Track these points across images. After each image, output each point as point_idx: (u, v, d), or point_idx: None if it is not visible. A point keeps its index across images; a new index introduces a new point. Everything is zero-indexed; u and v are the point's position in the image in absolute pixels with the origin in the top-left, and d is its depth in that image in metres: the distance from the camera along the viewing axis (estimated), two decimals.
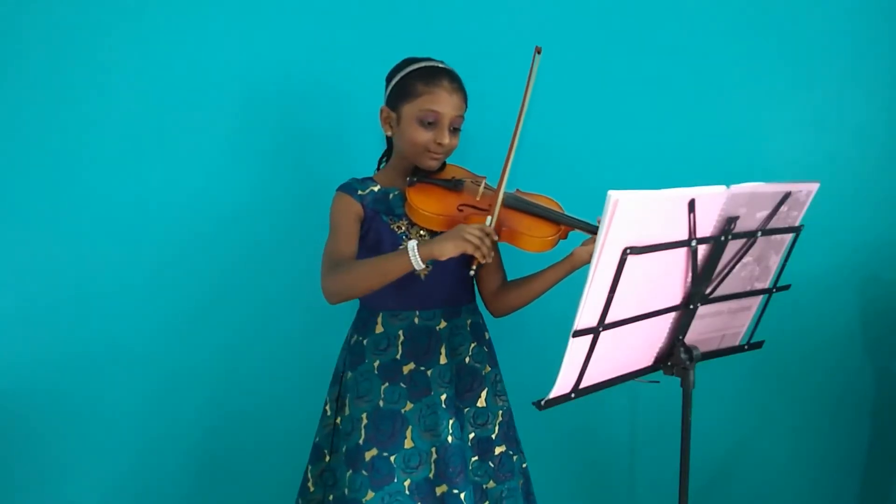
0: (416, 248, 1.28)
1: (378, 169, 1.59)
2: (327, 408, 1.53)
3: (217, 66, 1.83)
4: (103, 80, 1.78)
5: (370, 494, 1.38)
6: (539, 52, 1.35)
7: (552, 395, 1.12)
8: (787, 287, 1.35)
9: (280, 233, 1.86)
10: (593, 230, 1.40)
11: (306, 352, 1.88)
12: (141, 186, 1.81)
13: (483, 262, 1.29)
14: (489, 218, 1.34)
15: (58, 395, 1.79)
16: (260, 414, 1.91)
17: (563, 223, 1.43)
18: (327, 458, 1.50)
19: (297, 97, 1.88)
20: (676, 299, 1.21)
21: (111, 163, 1.79)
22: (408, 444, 1.41)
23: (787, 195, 1.19)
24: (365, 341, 1.48)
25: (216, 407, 1.89)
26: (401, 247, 1.32)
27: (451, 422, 1.43)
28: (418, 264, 1.28)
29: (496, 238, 1.33)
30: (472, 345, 1.50)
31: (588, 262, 1.35)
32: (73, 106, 1.76)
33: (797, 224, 1.26)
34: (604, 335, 1.11)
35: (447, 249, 1.27)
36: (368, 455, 1.41)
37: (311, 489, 1.52)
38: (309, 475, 1.52)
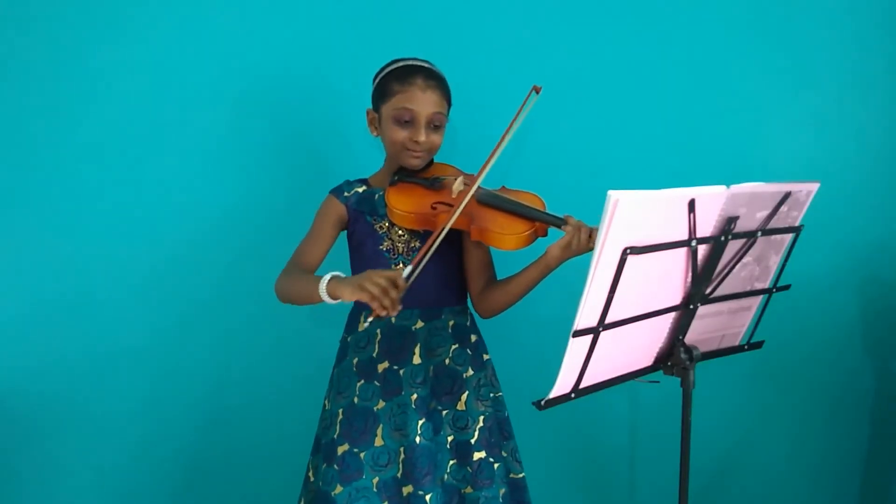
0: (326, 282, 1.29)
1: None
2: (326, 402, 1.54)
3: (213, 66, 1.83)
4: (99, 80, 1.78)
5: (339, 488, 1.39)
6: (537, 92, 1.35)
7: (552, 395, 1.12)
8: (787, 287, 1.35)
9: (280, 230, 1.85)
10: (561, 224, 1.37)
11: (313, 347, 1.88)
12: (137, 186, 1.81)
13: (382, 314, 1.22)
14: (409, 268, 1.28)
15: (55, 395, 1.79)
16: (265, 408, 1.92)
17: (537, 220, 1.40)
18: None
19: (295, 96, 1.88)
20: (676, 299, 1.21)
21: (106, 163, 1.79)
22: (378, 441, 1.42)
23: (787, 195, 1.19)
24: (349, 338, 1.51)
25: (221, 402, 1.89)
26: (322, 277, 1.31)
27: (420, 423, 1.42)
28: (325, 299, 1.29)
29: (402, 292, 1.24)
30: (454, 346, 1.49)
31: (561, 258, 1.35)
32: (68, 106, 1.77)
33: (797, 224, 1.26)
34: (604, 335, 1.11)
35: (345, 293, 1.25)
36: (340, 450, 1.42)
37: (312, 480, 1.52)
38: (310, 466, 1.54)
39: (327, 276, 1.30)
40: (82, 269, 1.79)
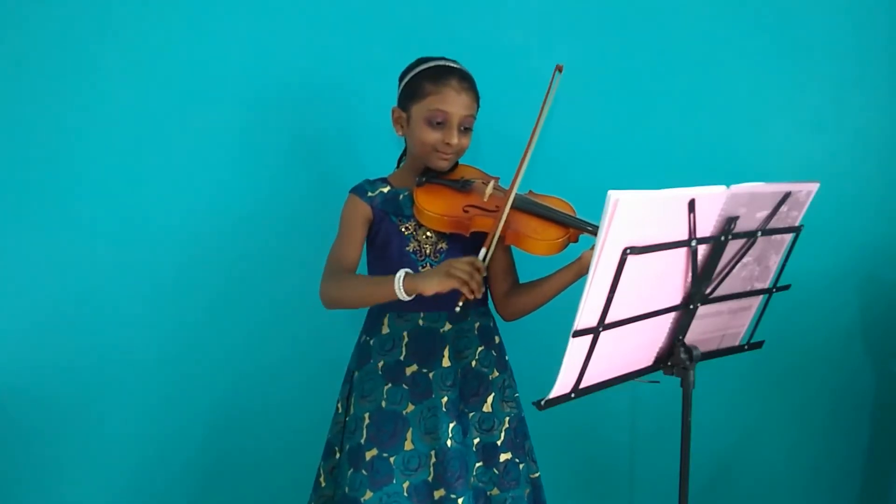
0: (402, 279, 1.30)
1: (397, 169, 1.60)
2: (339, 405, 1.53)
3: (226, 68, 1.83)
4: (110, 83, 1.78)
5: (368, 494, 1.38)
6: (560, 71, 1.35)
7: (552, 395, 1.12)
8: (787, 287, 1.35)
9: (291, 233, 1.87)
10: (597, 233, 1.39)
11: (322, 350, 1.88)
12: (150, 188, 1.81)
13: (471, 297, 1.27)
14: (483, 250, 1.32)
15: (65, 398, 1.79)
16: (274, 412, 1.91)
17: (571, 226, 1.40)
18: (337, 456, 1.50)
19: (308, 97, 1.88)
20: (676, 299, 1.21)
21: (120, 165, 1.79)
22: (408, 445, 1.41)
23: (787, 195, 1.19)
24: (372, 341, 1.48)
25: (229, 406, 1.89)
26: (396, 274, 1.32)
27: (451, 425, 1.42)
28: (402, 296, 1.30)
29: (483, 273, 1.30)
30: (480, 348, 1.49)
31: None
32: (81, 108, 1.77)
33: (797, 224, 1.26)
34: (604, 335, 1.11)
35: (432, 285, 1.27)
36: (369, 455, 1.41)
37: (323, 485, 1.52)
38: (321, 471, 1.53)
39: (401, 274, 1.31)
40: (94, 271, 1.79)
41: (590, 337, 1.10)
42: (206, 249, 1.84)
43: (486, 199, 1.44)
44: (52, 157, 1.76)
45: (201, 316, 1.86)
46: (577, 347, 1.09)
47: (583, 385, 1.16)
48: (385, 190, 1.49)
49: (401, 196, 1.48)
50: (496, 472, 1.45)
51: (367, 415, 1.44)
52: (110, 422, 1.82)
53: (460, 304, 1.30)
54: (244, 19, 1.84)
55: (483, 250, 1.32)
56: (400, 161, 1.60)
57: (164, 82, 1.80)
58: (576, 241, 1.42)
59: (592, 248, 1.34)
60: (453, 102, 1.41)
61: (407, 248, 1.46)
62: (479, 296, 1.27)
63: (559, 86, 1.35)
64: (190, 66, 1.81)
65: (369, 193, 1.48)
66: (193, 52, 1.81)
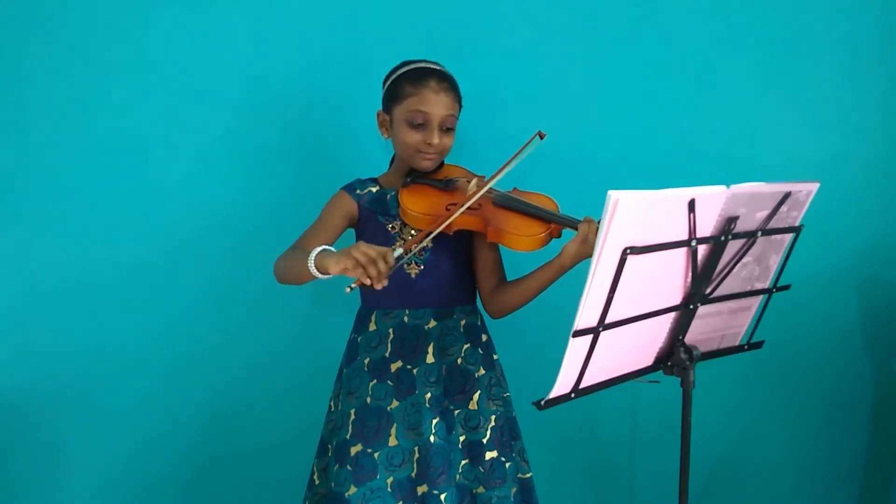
0: (315, 255, 1.27)
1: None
2: (332, 403, 1.55)
3: (224, 65, 1.83)
4: (106, 78, 1.78)
5: (353, 489, 1.39)
6: (541, 138, 1.36)
7: (552, 395, 1.12)
8: (787, 287, 1.35)
9: (286, 229, 1.85)
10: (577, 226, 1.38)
11: (317, 348, 1.88)
12: (144, 184, 1.81)
13: (366, 282, 1.21)
14: (399, 250, 1.29)
15: (59, 392, 1.79)
16: (269, 410, 1.92)
17: (552, 221, 1.41)
18: (330, 453, 1.51)
19: (305, 96, 1.88)
20: (676, 299, 1.21)
21: (114, 160, 1.79)
22: (392, 441, 1.42)
23: (787, 195, 1.19)
24: (359, 339, 1.50)
25: (224, 404, 1.89)
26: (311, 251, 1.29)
27: (434, 422, 1.42)
28: (314, 272, 1.27)
29: (390, 266, 1.23)
30: (466, 346, 1.50)
31: (576, 257, 1.35)
32: (76, 105, 1.77)
33: (797, 224, 1.26)
34: (604, 335, 1.11)
35: (329, 264, 1.23)
36: (353, 450, 1.42)
37: (317, 483, 1.53)
38: (315, 469, 1.54)
39: (317, 250, 1.28)
40: (88, 265, 1.79)
41: (590, 337, 1.10)
42: (200, 246, 1.85)
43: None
44: (46, 153, 1.76)
45: (196, 312, 1.86)
46: (577, 347, 1.10)
47: (583, 385, 1.16)
48: (374, 189, 1.51)
49: (388, 196, 1.50)
50: (482, 470, 1.45)
51: (352, 411, 1.45)
52: (103, 418, 1.82)
53: (352, 286, 1.25)
54: (241, 18, 1.83)
55: (400, 250, 1.29)
56: (392, 162, 1.60)
57: (160, 80, 1.80)
58: (558, 236, 1.42)
59: (572, 242, 1.35)
60: (432, 103, 1.43)
61: (392, 248, 1.47)
62: (377, 286, 1.21)
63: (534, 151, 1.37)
64: (187, 64, 1.81)
65: (358, 191, 1.51)
66: (189, 51, 1.81)
